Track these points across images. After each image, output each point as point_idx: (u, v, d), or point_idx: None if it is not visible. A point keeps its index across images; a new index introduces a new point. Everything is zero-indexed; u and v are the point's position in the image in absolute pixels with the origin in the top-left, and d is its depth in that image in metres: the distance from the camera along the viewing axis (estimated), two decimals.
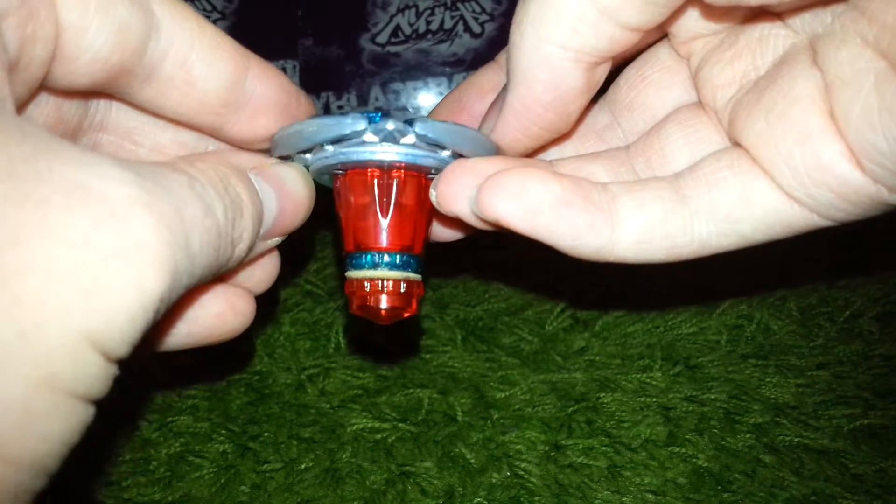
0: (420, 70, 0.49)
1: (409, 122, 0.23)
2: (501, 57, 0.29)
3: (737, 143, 0.23)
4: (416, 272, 0.25)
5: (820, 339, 0.37)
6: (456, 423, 0.34)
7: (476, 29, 0.49)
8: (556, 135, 0.25)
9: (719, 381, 0.35)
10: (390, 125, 0.23)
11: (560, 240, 0.23)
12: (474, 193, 0.23)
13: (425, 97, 0.49)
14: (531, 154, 0.27)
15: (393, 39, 0.48)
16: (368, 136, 0.23)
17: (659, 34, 0.26)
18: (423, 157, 0.24)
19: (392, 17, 0.48)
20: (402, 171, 0.25)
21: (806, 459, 0.33)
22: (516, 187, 0.22)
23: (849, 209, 0.21)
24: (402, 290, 0.25)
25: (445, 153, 0.24)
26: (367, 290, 0.25)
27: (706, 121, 0.25)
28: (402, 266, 0.25)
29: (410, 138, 0.23)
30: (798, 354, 0.36)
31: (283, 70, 0.48)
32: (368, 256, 0.25)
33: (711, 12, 0.24)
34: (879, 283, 0.39)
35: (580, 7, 0.20)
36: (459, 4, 0.49)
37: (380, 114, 0.23)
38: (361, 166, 0.24)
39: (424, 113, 0.49)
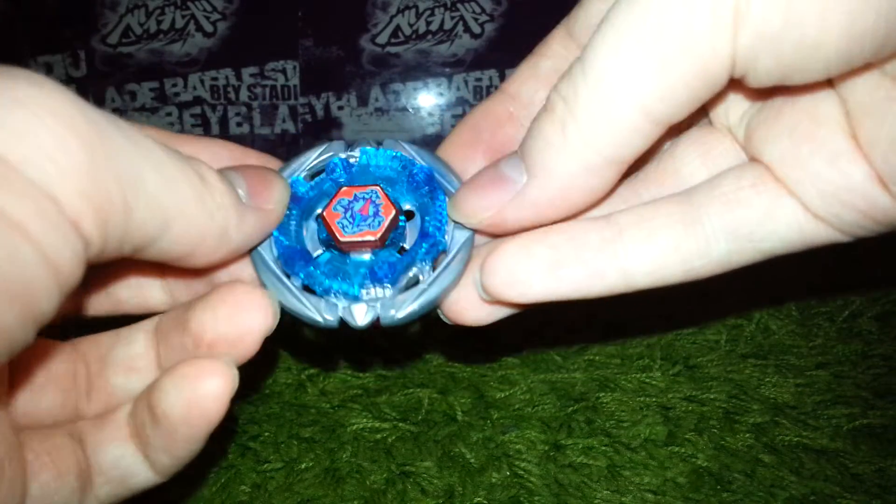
0: (420, 70, 0.49)
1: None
2: (509, 86, 0.27)
3: (754, 159, 0.23)
4: None
5: (819, 339, 0.37)
6: (456, 423, 0.34)
7: (476, 29, 0.49)
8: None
9: (719, 380, 0.35)
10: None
11: (567, 296, 0.23)
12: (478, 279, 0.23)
13: (425, 97, 0.49)
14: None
15: (393, 40, 0.48)
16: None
17: None
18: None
19: (392, 17, 0.48)
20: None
21: (805, 459, 0.33)
22: (506, 268, 0.22)
23: (873, 227, 0.21)
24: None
25: None
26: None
27: (719, 136, 0.25)
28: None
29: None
30: (797, 354, 0.36)
31: (283, 71, 0.48)
32: None
33: (755, 94, 0.23)
34: (879, 283, 0.39)
35: (634, 120, 0.20)
36: (459, 5, 0.49)
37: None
38: None
39: (424, 112, 0.49)
